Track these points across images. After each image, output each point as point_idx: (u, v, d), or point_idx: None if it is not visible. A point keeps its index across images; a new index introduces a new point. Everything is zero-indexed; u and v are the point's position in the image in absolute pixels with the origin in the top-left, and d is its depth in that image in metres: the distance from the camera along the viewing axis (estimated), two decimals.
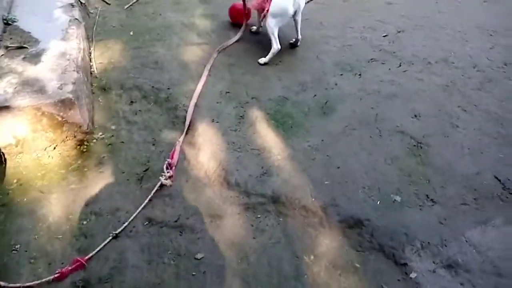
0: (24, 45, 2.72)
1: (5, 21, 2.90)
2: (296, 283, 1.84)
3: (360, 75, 3.18)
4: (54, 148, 2.46)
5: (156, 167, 2.41)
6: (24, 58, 2.61)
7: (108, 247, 1.99)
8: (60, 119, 2.36)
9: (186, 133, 2.62)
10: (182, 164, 2.43)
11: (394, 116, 2.76)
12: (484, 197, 2.19)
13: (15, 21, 2.96)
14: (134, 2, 4.23)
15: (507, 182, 2.28)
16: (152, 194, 2.23)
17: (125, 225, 2.09)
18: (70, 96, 2.35)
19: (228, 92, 2.99)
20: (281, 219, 2.12)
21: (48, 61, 2.60)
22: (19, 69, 2.51)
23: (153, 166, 2.43)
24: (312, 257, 1.94)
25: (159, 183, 2.26)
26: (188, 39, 3.59)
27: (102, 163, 2.45)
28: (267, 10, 3.14)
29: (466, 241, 1.96)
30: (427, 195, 2.20)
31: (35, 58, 2.62)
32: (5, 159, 2.36)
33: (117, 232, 2.05)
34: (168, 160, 2.38)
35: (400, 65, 3.30)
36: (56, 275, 1.83)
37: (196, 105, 2.83)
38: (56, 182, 2.32)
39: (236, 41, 3.54)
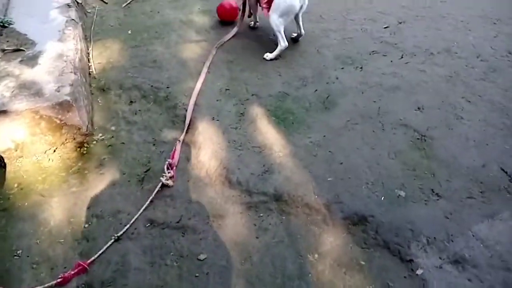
0: (21, 48, 2.70)
1: (1, 24, 2.88)
2: (301, 283, 1.82)
3: (361, 68, 3.14)
4: (54, 151, 2.44)
5: (157, 167, 2.39)
6: (21, 61, 2.58)
7: (110, 250, 1.97)
8: (58, 122, 2.34)
9: (186, 132, 2.59)
10: (183, 164, 2.40)
11: (397, 109, 2.72)
12: (490, 190, 2.15)
13: (11, 24, 2.94)
14: (132, 1, 4.19)
15: None
16: (153, 195, 2.20)
17: (126, 227, 2.07)
18: (68, 98, 2.32)
19: (228, 89, 2.95)
20: (284, 218, 2.09)
21: (45, 64, 2.57)
22: (16, 72, 2.49)
23: (154, 166, 2.41)
24: (316, 255, 1.91)
25: (160, 184, 2.24)
26: (186, 36, 3.56)
27: (102, 164, 2.43)
28: (266, 3, 3.08)
29: (473, 236, 1.93)
30: (432, 189, 2.17)
31: (32, 60, 2.59)
32: (5, 164, 2.34)
33: (118, 234, 2.03)
34: (168, 160, 2.35)
35: (402, 57, 3.25)
36: (58, 280, 1.81)
37: (195, 103, 2.80)
38: (57, 185, 2.30)
39: (233, 36, 3.50)
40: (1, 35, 2.81)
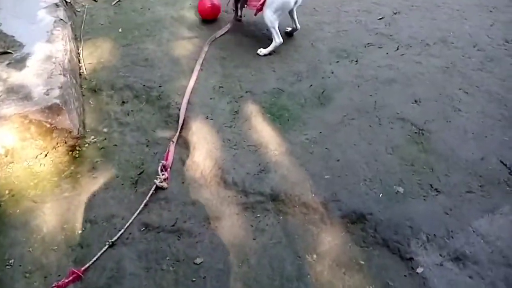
0: (8, 50, 2.63)
1: None
2: (299, 284, 1.79)
3: (356, 61, 3.09)
4: (46, 155, 2.39)
5: (150, 169, 2.35)
6: (8, 64, 2.52)
7: (105, 256, 1.93)
8: (48, 126, 2.29)
9: (180, 132, 2.54)
10: (177, 165, 2.36)
11: (393, 102, 2.68)
12: (490, 183, 2.12)
13: None
14: None
15: None
16: (147, 198, 2.16)
17: (121, 232, 2.03)
18: (58, 101, 2.27)
19: (221, 86, 2.90)
20: (281, 218, 2.05)
21: (34, 66, 2.51)
22: (4, 75, 2.43)
23: (148, 168, 2.36)
24: (314, 256, 1.88)
25: (154, 187, 2.20)
26: (178, 33, 3.49)
27: (95, 168, 2.38)
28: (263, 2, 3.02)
29: (474, 231, 1.90)
30: (431, 185, 2.13)
31: (19, 63, 2.53)
32: None
33: (113, 240, 1.99)
34: (162, 161, 2.31)
35: (397, 49, 3.20)
36: None
37: (189, 102, 2.75)
38: (49, 190, 2.26)
39: (227, 32, 3.44)
40: None
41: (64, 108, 2.29)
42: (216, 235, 2.00)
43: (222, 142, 2.47)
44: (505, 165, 2.21)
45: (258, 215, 2.07)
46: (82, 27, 3.59)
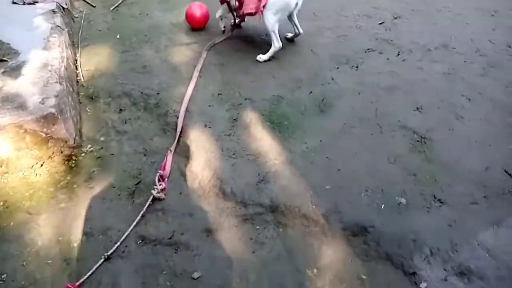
0: (4, 58, 2.59)
1: None
2: None
3: (357, 67, 3.04)
4: (41, 165, 2.35)
5: (148, 179, 2.30)
6: (3, 72, 2.48)
7: (101, 270, 1.88)
8: (44, 135, 2.25)
9: (178, 141, 2.50)
10: (175, 175, 2.31)
11: (395, 110, 2.63)
12: (495, 194, 2.07)
13: None
14: (120, 3, 4.08)
15: None
16: (144, 209, 2.11)
17: (117, 245, 1.98)
18: (53, 110, 2.23)
19: (220, 93, 2.86)
20: (281, 230, 2.01)
21: (29, 74, 2.47)
22: None
23: (145, 178, 2.32)
24: (315, 270, 1.83)
25: (151, 197, 2.15)
26: (176, 39, 3.45)
27: (92, 178, 2.34)
28: (263, 7, 2.97)
29: (479, 245, 1.85)
30: (434, 195, 2.09)
31: (15, 71, 2.49)
32: None
33: (109, 253, 1.94)
34: (160, 171, 2.26)
35: (398, 54, 3.16)
36: None
37: (187, 110, 2.70)
38: (44, 201, 2.21)
39: (225, 39, 3.40)
40: None
41: (59, 117, 2.25)
42: (214, 249, 1.95)
43: (221, 151, 2.43)
44: (510, 175, 2.16)
45: (258, 227, 2.02)
46: (80, 33, 3.56)
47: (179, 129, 2.54)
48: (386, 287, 1.76)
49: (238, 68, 3.10)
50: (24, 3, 3.21)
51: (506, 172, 2.18)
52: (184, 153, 2.44)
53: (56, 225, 2.10)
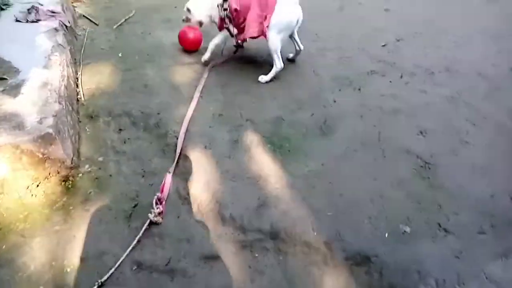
0: (3, 77, 2.57)
1: None
2: None
3: (359, 89, 3.02)
4: (37, 185, 2.30)
5: (145, 201, 2.25)
6: (3, 91, 2.46)
7: None
8: (41, 156, 2.20)
9: (177, 162, 2.45)
10: (173, 198, 2.26)
11: (398, 134, 2.60)
12: (502, 223, 2.01)
13: None
14: (123, 22, 4.10)
15: None
16: (140, 234, 2.05)
17: (111, 271, 1.91)
18: (50, 130, 2.19)
19: (221, 114, 2.83)
20: (281, 258, 1.94)
21: (29, 93, 2.45)
22: None
23: (143, 200, 2.26)
24: None
25: (148, 222, 2.10)
26: (178, 59, 3.45)
27: (88, 199, 2.28)
28: (267, 27, 2.98)
29: (486, 278, 1.78)
30: (439, 224, 2.03)
31: (14, 90, 2.47)
32: None
33: (103, 280, 1.87)
34: (157, 194, 2.21)
35: (401, 77, 3.14)
36: None
37: (187, 130, 2.67)
38: (39, 223, 2.16)
39: (227, 60, 3.40)
40: None
41: (57, 138, 2.21)
42: (211, 277, 1.88)
43: (221, 173, 2.38)
44: None
45: (257, 255, 1.96)
46: (82, 51, 3.57)
47: (178, 150, 2.50)
48: None
49: (240, 89, 3.08)
50: (27, 21, 3.22)
51: None
52: (183, 175, 2.40)
53: (50, 249, 2.04)
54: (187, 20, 3.32)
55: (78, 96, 3.03)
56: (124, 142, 2.65)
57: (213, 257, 1.96)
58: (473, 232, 1.99)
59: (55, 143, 2.21)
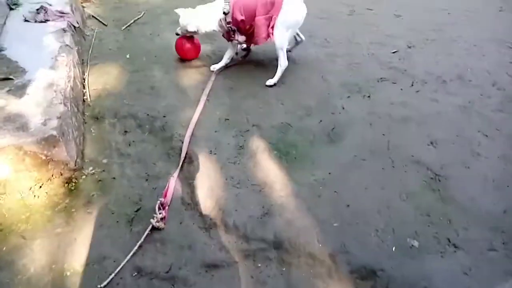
0: (10, 76, 2.56)
1: None
2: None
3: (369, 96, 2.96)
4: (40, 187, 2.28)
5: (148, 206, 2.22)
6: (8, 91, 2.45)
7: None
8: (44, 157, 2.18)
9: (181, 167, 2.42)
10: (176, 203, 2.23)
11: (408, 143, 2.53)
12: None
13: (3, 50, 2.82)
14: (132, 23, 4.09)
15: None
16: (142, 239, 2.02)
17: (111, 276, 1.88)
18: (54, 132, 2.17)
19: (227, 119, 2.79)
20: (284, 269, 1.89)
21: (34, 94, 2.43)
22: (2, 103, 2.34)
23: (146, 205, 2.23)
24: None
25: (150, 227, 2.06)
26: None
27: (91, 202, 2.26)
28: (272, 28, 2.95)
29: None
30: (448, 239, 1.96)
31: (20, 90, 2.46)
32: None
33: (102, 285, 1.84)
34: (160, 199, 2.18)
35: (412, 85, 3.07)
36: None
37: (192, 134, 2.64)
38: (41, 225, 2.14)
39: (235, 64, 3.36)
40: None
41: (61, 140, 2.19)
42: (212, 286, 1.84)
43: (225, 179, 2.34)
44: None
45: (259, 265, 1.91)
46: (90, 51, 3.56)
47: (183, 155, 2.47)
48: None
49: (247, 93, 3.04)
50: (35, 21, 3.21)
51: None
52: (187, 180, 2.36)
53: (50, 251, 2.02)
54: (182, 33, 3.24)
55: (84, 97, 3.02)
56: (129, 145, 2.62)
57: (215, 266, 1.92)
58: (483, 248, 1.92)
59: (58, 145, 2.19)
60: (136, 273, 1.91)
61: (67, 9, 3.49)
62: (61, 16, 3.31)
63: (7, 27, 3.15)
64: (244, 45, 3.42)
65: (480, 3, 4.41)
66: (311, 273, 1.87)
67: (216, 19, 3.05)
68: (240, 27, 3.01)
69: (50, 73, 2.63)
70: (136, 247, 1.99)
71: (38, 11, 3.28)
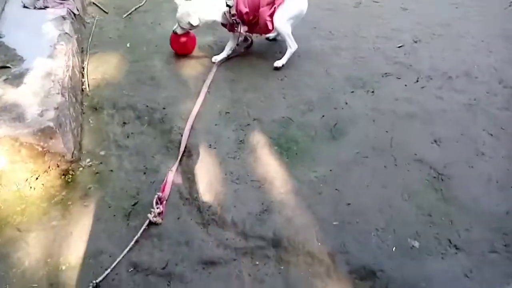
0: (7, 65, 2.52)
1: None
2: None
3: (373, 92, 2.90)
4: (37, 178, 2.25)
5: (146, 200, 2.18)
6: (5, 80, 2.40)
7: None
8: (40, 149, 2.15)
9: (180, 161, 2.38)
10: (174, 198, 2.19)
11: (411, 140, 2.49)
12: None
13: (1, 37, 2.77)
14: (133, 11, 4.01)
15: None
16: (139, 234, 1.99)
17: (107, 272, 1.86)
18: (51, 124, 2.13)
19: (228, 112, 2.74)
20: (282, 268, 1.86)
21: (31, 83, 2.39)
22: None
23: (143, 199, 2.20)
24: None
25: (147, 222, 2.03)
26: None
27: (87, 195, 2.23)
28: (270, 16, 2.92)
29: None
30: (449, 240, 1.93)
31: (17, 79, 2.41)
32: None
33: (97, 281, 1.82)
34: (158, 193, 2.14)
35: (417, 80, 3.01)
36: None
37: (192, 127, 2.59)
38: (36, 217, 2.11)
39: (237, 55, 3.30)
40: None
41: (58, 132, 2.15)
42: (209, 284, 1.82)
43: (224, 175, 2.30)
44: None
45: (257, 263, 1.89)
46: (90, 39, 3.50)
47: (182, 148, 2.43)
48: None
49: (248, 85, 2.99)
50: (35, 8, 3.15)
51: None
52: (185, 175, 2.33)
53: (46, 244, 1.99)
54: (181, 29, 3.10)
55: (83, 86, 2.97)
56: (127, 137, 2.58)
57: (212, 263, 1.89)
58: (485, 250, 1.89)
59: (55, 136, 2.15)
60: (132, 269, 1.88)
61: None
62: (61, 3, 3.25)
63: (6, 13, 3.09)
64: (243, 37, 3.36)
65: None
66: (310, 272, 1.84)
67: (218, 10, 2.98)
68: (244, 19, 2.95)
69: (48, 62, 2.57)
70: (132, 242, 1.96)
71: None
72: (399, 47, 3.40)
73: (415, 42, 3.48)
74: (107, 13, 3.98)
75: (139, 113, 2.75)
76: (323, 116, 2.69)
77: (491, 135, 2.51)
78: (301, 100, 2.83)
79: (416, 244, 1.91)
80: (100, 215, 2.13)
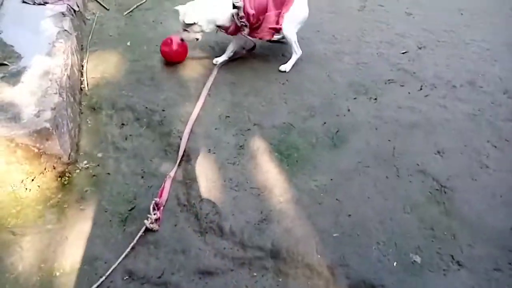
0: (5, 62, 2.46)
1: None
2: None
3: (376, 99, 2.86)
4: (32, 180, 2.20)
5: (143, 205, 2.14)
6: (2, 78, 2.35)
7: None
8: (36, 150, 2.10)
9: (179, 165, 2.34)
10: (172, 204, 2.15)
11: (414, 150, 2.45)
12: None
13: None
14: (135, 8, 3.95)
15: None
16: (135, 241, 1.95)
17: (102, 279, 1.82)
18: (48, 125, 2.08)
19: (228, 116, 2.70)
20: (280, 280, 1.83)
21: (29, 82, 2.34)
22: None
23: (140, 204, 2.16)
24: None
25: (143, 228, 1.99)
26: (188, 52, 3.30)
27: (84, 198, 2.19)
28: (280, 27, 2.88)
29: None
30: (452, 256, 1.89)
31: (14, 77, 2.36)
32: None
33: None
34: (155, 199, 2.10)
35: (421, 88, 2.97)
36: None
37: (191, 131, 2.55)
38: (31, 220, 2.07)
39: (239, 57, 3.25)
40: None
41: (54, 133, 2.10)
42: None
43: (223, 181, 2.26)
44: None
45: (255, 274, 1.85)
46: (90, 37, 3.44)
47: (181, 152, 2.39)
48: None
49: (250, 89, 2.94)
50: (34, 3, 3.09)
51: None
52: (183, 180, 2.29)
53: (40, 249, 1.95)
54: (187, 34, 2.91)
55: (82, 85, 2.92)
56: (126, 139, 2.54)
57: (209, 273, 1.86)
58: (488, 268, 1.85)
59: (52, 138, 2.11)
60: (127, 277, 1.85)
61: None
62: None
63: (5, 8, 3.03)
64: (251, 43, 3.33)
65: (495, 5, 4.27)
66: (309, 286, 1.80)
67: (226, 13, 2.88)
68: (249, 21, 2.89)
69: (46, 60, 2.52)
70: (128, 249, 1.93)
71: None
72: (403, 53, 3.36)
73: (420, 48, 3.43)
74: (108, 9, 3.92)
75: (138, 115, 2.71)
76: (324, 122, 2.65)
77: (495, 147, 2.47)
78: (303, 106, 2.79)
79: (418, 259, 1.88)
80: (96, 219, 2.09)
